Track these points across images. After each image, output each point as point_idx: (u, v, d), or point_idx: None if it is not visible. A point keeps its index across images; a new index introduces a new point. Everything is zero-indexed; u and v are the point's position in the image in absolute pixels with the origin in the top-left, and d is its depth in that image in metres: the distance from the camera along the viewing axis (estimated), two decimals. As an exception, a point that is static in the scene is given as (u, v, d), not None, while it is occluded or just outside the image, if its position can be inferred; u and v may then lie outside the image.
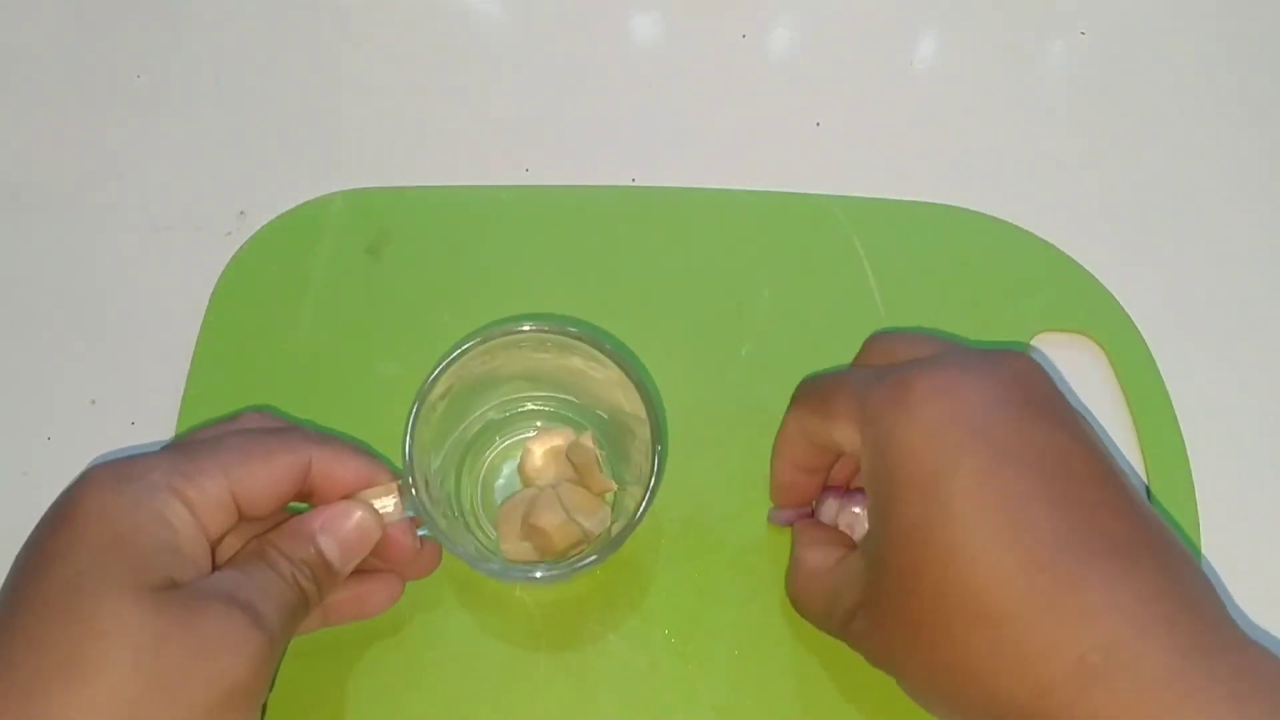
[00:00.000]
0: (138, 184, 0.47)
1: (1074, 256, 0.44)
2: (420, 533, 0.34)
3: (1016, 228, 0.45)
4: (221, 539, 0.31)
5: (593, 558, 0.33)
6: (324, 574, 0.31)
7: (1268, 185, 0.48)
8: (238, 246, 0.44)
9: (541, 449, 0.37)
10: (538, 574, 0.34)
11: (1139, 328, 0.43)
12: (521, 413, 0.39)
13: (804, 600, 0.35)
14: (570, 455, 0.37)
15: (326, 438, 0.33)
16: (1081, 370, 0.42)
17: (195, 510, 0.29)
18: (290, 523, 0.32)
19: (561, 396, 0.39)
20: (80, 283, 0.45)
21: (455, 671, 0.37)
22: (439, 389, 0.34)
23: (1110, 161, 0.48)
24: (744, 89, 0.50)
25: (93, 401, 0.42)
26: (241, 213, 0.46)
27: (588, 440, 0.37)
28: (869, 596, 0.31)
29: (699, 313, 0.43)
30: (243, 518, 0.31)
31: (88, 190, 0.47)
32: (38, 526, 0.30)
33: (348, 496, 0.33)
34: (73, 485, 0.29)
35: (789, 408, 0.35)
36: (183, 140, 0.48)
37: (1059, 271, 0.44)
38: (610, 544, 0.34)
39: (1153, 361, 0.42)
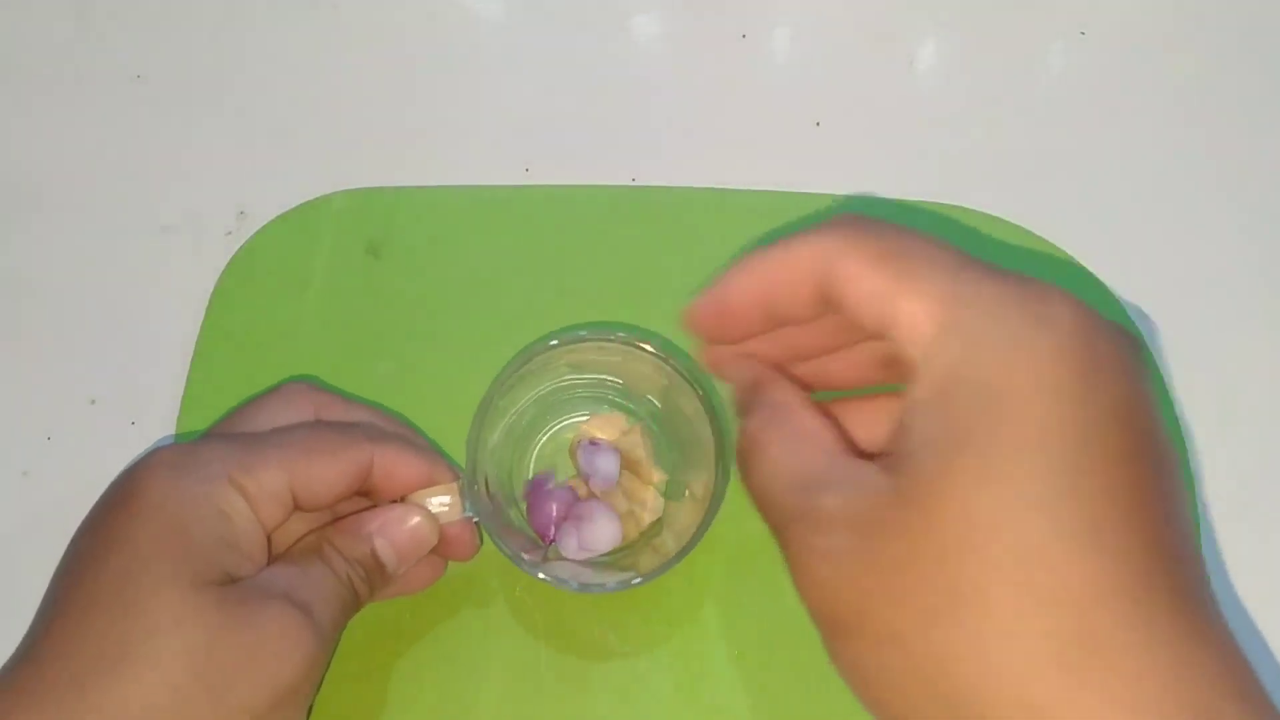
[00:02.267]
0: (138, 184, 0.47)
1: (1074, 256, 0.44)
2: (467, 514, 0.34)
3: (1017, 228, 0.45)
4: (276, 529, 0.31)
5: (638, 579, 0.33)
6: (377, 574, 0.32)
7: (1268, 185, 0.47)
8: (238, 246, 0.44)
9: (597, 434, 0.38)
10: (588, 581, 0.34)
11: (1139, 328, 0.43)
12: (570, 398, 0.39)
13: (767, 471, 0.26)
14: (622, 445, 0.37)
15: (389, 435, 0.33)
16: (1081, 370, 0.42)
17: (253, 503, 0.30)
18: (348, 521, 0.32)
19: (610, 379, 0.39)
20: (80, 283, 0.45)
21: (453, 671, 0.37)
22: (502, 396, 0.34)
23: (1110, 161, 0.48)
24: (744, 89, 0.50)
25: (93, 401, 0.42)
26: (241, 213, 0.46)
27: (636, 435, 0.37)
28: (868, 520, 0.23)
29: (699, 313, 0.43)
30: (298, 509, 0.31)
31: (88, 190, 0.47)
32: (96, 508, 0.30)
33: (405, 496, 0.33)
34: (134, 469, 0.29)
35: (816, 229, 0.27)
36: (183, 140, 0.48)
37: (1059, 271, 0.44)
38: (668, 563, 0.33)
39: (1152, 361, 0.42)
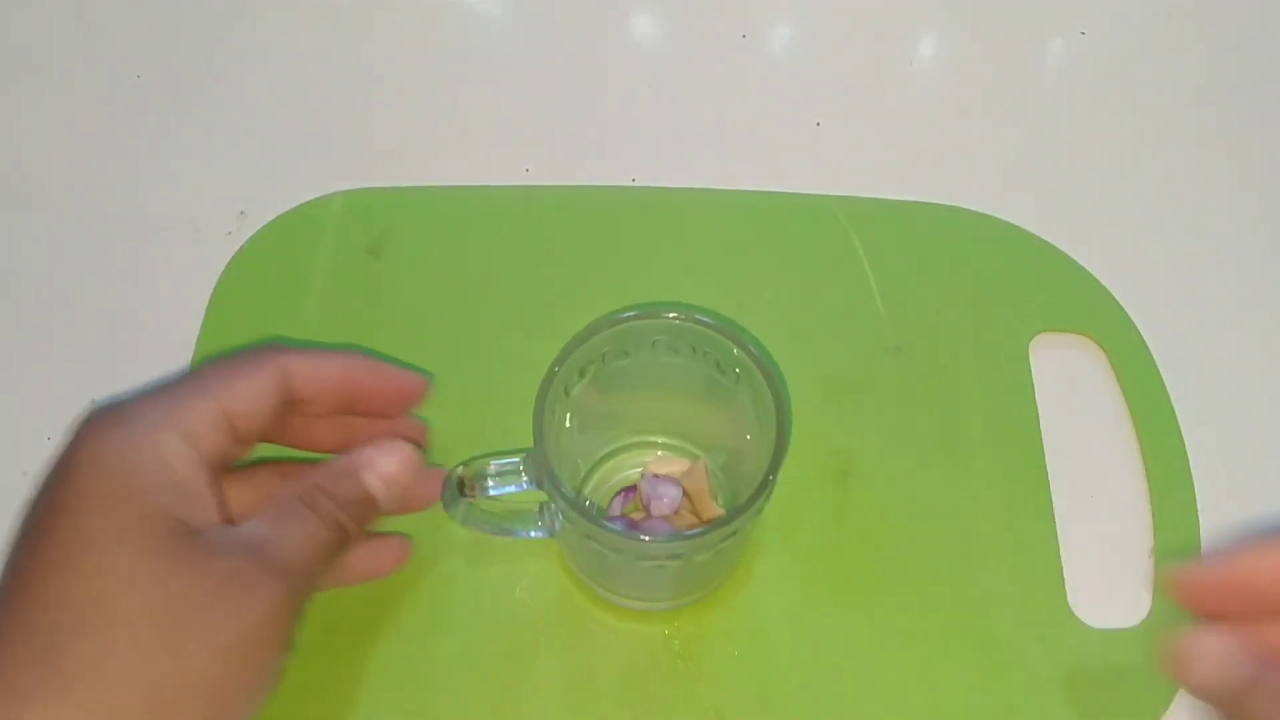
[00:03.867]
0: (138, 184, 0.47)
1: (1074, 256, 0.44)
2: (519, 488, 0.33)
3: (1016, 228, 0.45)
4: (227, 463, 0.31)
5: (700, 530, 0.32)
6: (368, 508, 0.32)
7: (1267, 185, 0.48)
8: (238, 246, 0.44)
9: (659, 471, 0.38)
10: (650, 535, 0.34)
11: (1139, 328, 0.43)
12: (642, 443, 0.39)
13: None
14: (684, 480, 0.37)
15: (302, 348, 0.33)
16: (1081, 370, 0.42)
17: (193, 439, 0.30)
18: (333, 462, 0.32)
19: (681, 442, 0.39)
20: (80, 283, 0.45)
21: (453, 668, 0.37)
22: (576, 365, 0.33)
23: (1110, 161, 0.48)
24: (744, 89, 0.50)
25: (93, 401, 0.42)
26: (241, 213, 0.46)
27: (701, 466, 0.37)
28: None
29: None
30: (239, 438, 0.31)
31: (88, 190, 0.47)
32: (42, 481, 0.30)
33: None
34: (69, 435, 0.30)
35: None
36: (183, 140, 0.48)
37: (1059, 271, 0.44)
38: (725, 519, 0.32)
39: (1153, 361, 0.42)
